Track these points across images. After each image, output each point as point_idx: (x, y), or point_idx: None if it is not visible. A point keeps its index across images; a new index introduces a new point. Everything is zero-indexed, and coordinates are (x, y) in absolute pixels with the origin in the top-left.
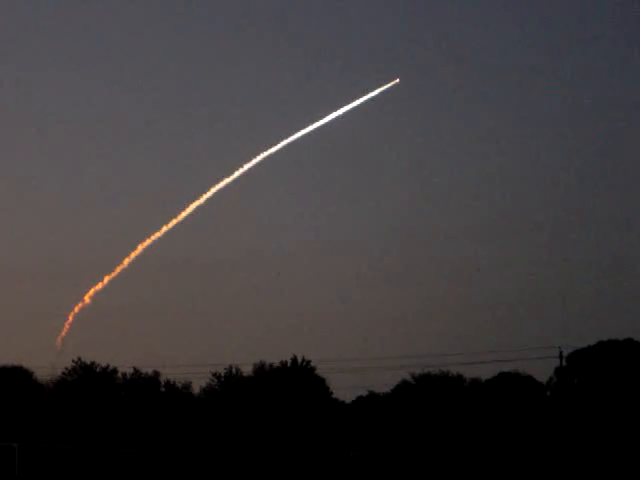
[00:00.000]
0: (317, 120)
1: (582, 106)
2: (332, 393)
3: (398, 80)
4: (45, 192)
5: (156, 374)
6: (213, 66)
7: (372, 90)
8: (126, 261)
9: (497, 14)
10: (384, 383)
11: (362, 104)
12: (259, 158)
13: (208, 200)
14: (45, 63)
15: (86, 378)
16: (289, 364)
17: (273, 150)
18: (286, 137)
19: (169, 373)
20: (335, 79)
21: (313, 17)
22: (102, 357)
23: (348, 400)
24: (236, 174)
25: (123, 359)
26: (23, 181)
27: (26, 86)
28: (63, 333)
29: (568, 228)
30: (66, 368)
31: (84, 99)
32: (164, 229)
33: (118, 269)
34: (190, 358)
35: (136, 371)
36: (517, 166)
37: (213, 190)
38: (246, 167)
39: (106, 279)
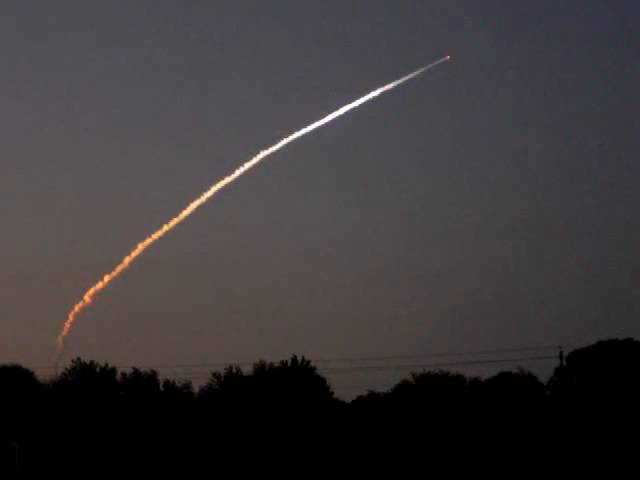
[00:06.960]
0: (316, 121)
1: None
2: (332, 393)
3: (449, 57)
4: (45, 192)
5: (154, 373)
6: (215, 64)
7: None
8: (127, 260)
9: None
10: (384, 383)
11: (363, 104)
12: (260, 157)
13: (209, 199)
14: (47, 63)
15: (85, 378)
16: (289, 364)
17: (274, 149)
18: (287, 135)
19: (168, 373)
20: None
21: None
22: (103, 356)
23: (348, 400)
24: (237, 173)
25: (123, 358)
26: (24, 181)
27: (27, 85)
28: (64, 332)
29: (569, 228)
30: (66, 368)
31: (85, 99)
32: (165, 228)
33: (119, 268)
34: (190, 358)
35: (135, 371)
36: (517, 166)
37: (214, 189)
38: (247, 166)
39: (106, 278)
